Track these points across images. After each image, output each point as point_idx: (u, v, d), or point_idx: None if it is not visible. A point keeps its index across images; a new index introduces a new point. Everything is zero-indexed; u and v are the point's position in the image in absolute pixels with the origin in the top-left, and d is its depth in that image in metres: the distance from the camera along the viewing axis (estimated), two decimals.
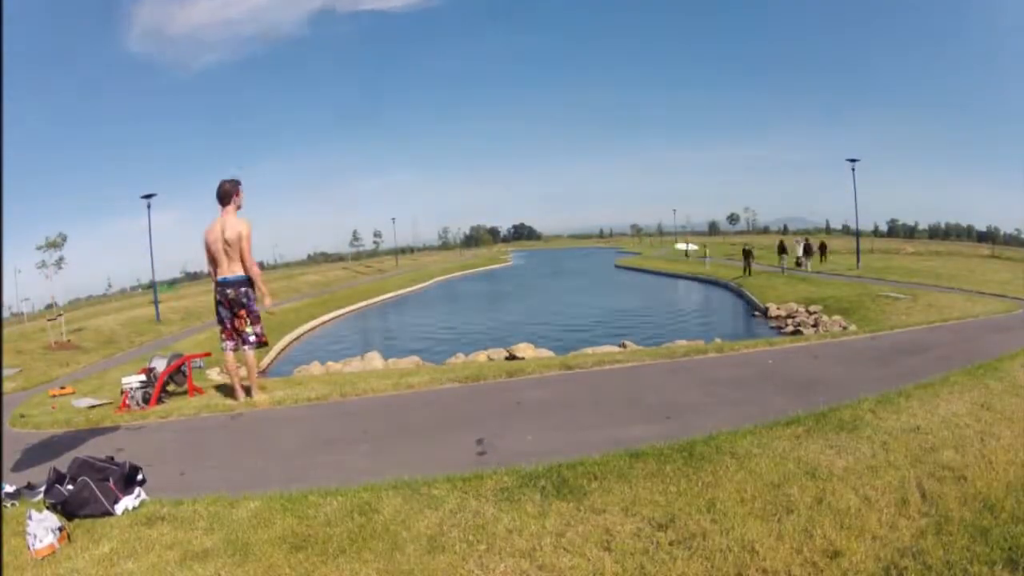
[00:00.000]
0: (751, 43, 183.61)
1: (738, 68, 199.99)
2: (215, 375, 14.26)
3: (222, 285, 5.41)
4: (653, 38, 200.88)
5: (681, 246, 59.97)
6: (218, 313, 5.53)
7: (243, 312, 5.40)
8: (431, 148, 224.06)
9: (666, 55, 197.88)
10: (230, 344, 5.59)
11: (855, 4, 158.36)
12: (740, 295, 27.74)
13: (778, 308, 21.67)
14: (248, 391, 5.68)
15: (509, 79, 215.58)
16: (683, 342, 12.99)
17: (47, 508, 3.16)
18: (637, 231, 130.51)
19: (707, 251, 44.50)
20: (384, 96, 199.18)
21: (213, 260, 5.43)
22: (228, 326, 5.53)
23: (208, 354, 8.36)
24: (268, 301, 5.63)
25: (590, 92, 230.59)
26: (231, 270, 5.36)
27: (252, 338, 5.53)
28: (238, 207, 5.41)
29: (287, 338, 21.88)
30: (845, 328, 15.64)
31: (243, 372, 5.99)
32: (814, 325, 17.94)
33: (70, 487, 3.29)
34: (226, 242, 5.26)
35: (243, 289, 5.37)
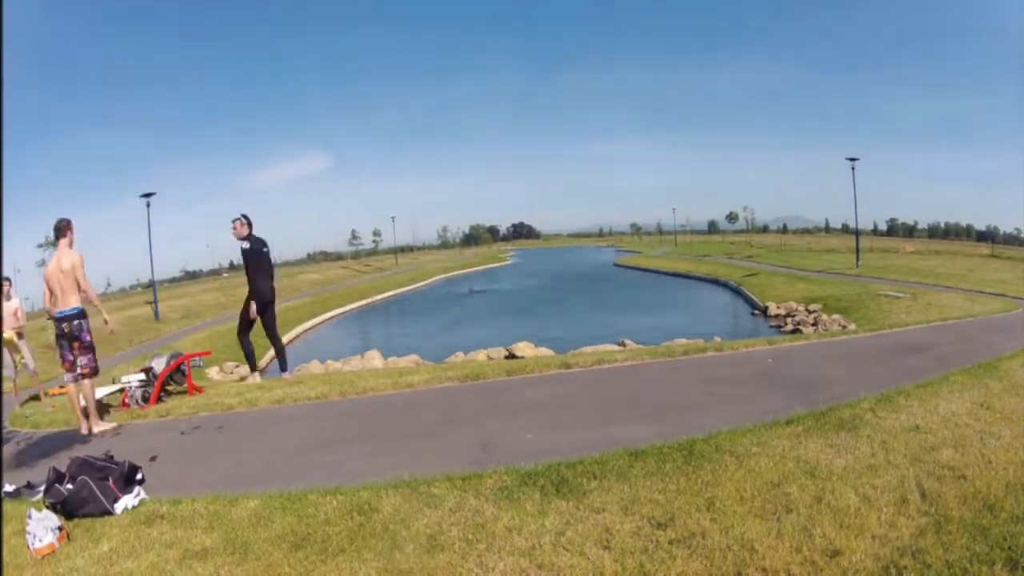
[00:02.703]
0: (750, 40, 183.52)
1: (739, 66, 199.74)
2: (215, 374, 14.28)
3: (59, 320, 5.52)
4: (651, 36, 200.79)
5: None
6: (59, 346, 5.63)
7: (76, 344, 5.53)
8: (430, 146, 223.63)
9: (665, 53, 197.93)
10: (70, 376, 5.62)
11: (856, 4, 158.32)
12: (739, 294, 27.77)
13: (778, 307, 21.71)
14: (86, 416, 5.59)
15: (508, 77, 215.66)
16: (683, 341, 13.00)
17: (47, 508, 3.16)
18: (637, 230, 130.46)
19: None
20: (382, 91, 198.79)
21: (52, 294, 5.59)
22: (69, 358, 5.59)
23: (208, 353, 8.36)
24: (111, 324, 5.92)
25: (589, 92, 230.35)
26: (66, 303, 5.47)
27: (78, 368, 5.57)
28: (70, 243, 5.62)
29: (286, 338, 21.87)
30: (844, 327, 15.67)
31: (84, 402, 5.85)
32: (814, 324, 17.97)
33: (69, 486, 3.29)
34: (62, 271, 5.43)
35: (76, 322, 5.53)
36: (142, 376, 6.58)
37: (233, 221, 7.31)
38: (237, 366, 15.75)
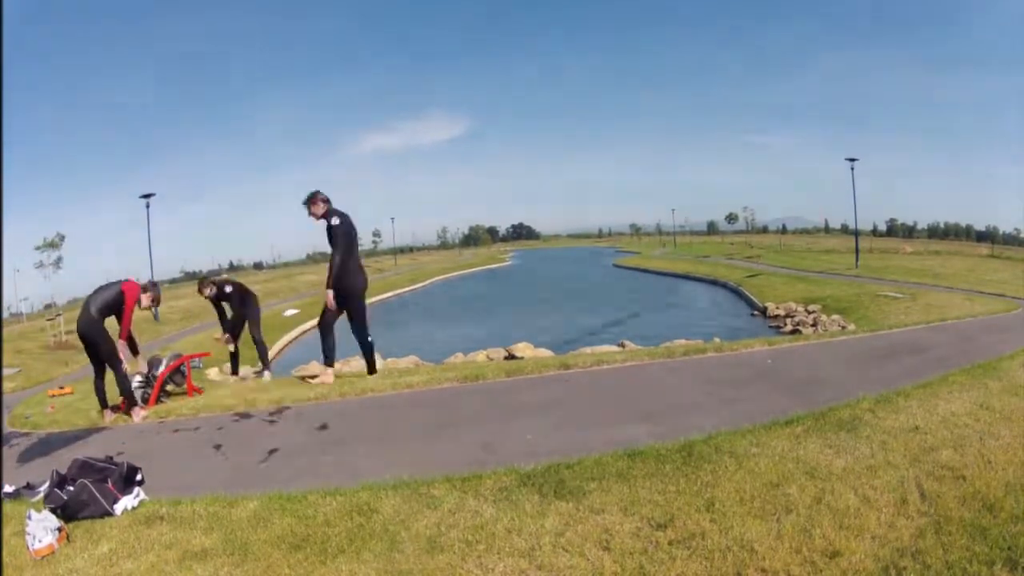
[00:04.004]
0: (749, 39, 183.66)
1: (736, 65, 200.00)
2: (214, 375, 14.25)
3: None
4: (651, 35, 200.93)
5: None
6: None
7: None
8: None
9: (665, 52, 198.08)
10: None
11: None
12: (739, 294, 27.78)
13: (777, 307, 21.70)
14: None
15: (508, 76, 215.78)
16: (682, 341, 12.99)
17: (48, 510, 3.15)
18: (636, 231, 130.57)
19: None
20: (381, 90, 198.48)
21: None
22: None
23: (208, 354, 8.35)
24: None
25: (588, 89, 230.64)
26: None
27: None
28: None
29: (285, 338, 21.86)
30: (844, 327, 15.67)
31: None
32: (813, 324, 17.97)
33: (70, 489, 3.28)
34: None
35: None
36: (141, 377, 6.56)
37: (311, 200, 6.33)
38: None
